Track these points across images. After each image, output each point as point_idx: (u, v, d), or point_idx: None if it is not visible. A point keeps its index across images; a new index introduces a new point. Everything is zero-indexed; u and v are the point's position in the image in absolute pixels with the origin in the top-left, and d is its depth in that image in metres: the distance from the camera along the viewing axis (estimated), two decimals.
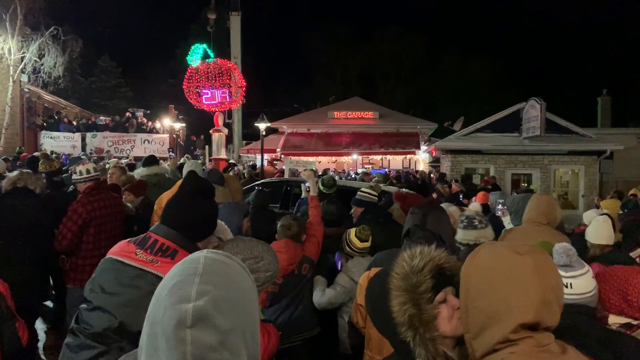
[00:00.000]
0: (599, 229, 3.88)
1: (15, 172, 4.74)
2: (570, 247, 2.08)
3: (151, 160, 7.50)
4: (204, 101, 16.71)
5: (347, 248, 3.98)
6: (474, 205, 7.11)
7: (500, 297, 1.36)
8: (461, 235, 3.47)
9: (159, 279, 2.05)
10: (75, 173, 4.74)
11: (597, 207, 8.90)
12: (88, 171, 4.69)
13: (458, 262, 1.67)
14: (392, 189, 8.85)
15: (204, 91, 16.65)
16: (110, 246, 2.35)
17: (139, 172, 7.47)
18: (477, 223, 3.49)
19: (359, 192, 5.29)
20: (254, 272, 2.30)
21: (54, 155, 14.49)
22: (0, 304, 3.25)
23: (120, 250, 2.22)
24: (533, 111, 16.82)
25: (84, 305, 2.18)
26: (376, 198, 5.38)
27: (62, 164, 10.18)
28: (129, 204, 5.50)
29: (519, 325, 1.34)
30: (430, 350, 1.53)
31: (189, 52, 16.98)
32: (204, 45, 17.06)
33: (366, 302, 1.79)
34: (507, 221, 5.33)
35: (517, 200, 4.78)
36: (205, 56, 16.87)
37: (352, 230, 4.04)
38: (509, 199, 5.39)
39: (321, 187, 5.92)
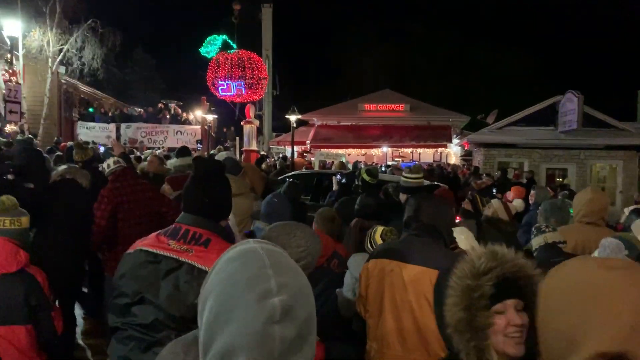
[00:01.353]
0: None
1: (63, 167, 4.91)
2: (620, 243, 2.01)
3: (184, 151, 7.59)
4: (219, 92, 16.71)
5: (369, 246, 3.75)
6: (517, 202, 7.02)
7: (580, 320, 1.14)
8: (537, 242, 3.38)
9: (194, 268, 2.10)
10: (105, 169, 4.97)
11: (637, 202, 8.65)
12: (114, 162, 4.89)
13: (537, 272, 1.53)
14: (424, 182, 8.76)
15: (219, 82, 16.62)
16: (143, 232, 2.39)
17: (173, 163, 7.57)
18: (544, 228, 3.43)
19: (401, 179, 5.00)
20: (286, 247, 2.37)
21: (89, 146, 14.84)
22: (38, 294, 3.37)
23: (152, 242, 2.22)
24: (570, 104, 16.40)
25: (123, 300, 2.17)
26: (417, 181, 4.95)
27: (96, 152, 10.44)
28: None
29: (598, 354, 1.09)
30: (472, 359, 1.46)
31: (203, 44, 16.92)
32: (223, 36, 16.98)
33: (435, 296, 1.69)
34: None
35: (552, 207, 4.38)
36: (226, 47, 16.79)
37: (379, 229, 3.81)
38: (545, 205, 4.88)
39: (366, 177, 5.81)
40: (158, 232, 2.29)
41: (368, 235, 3.86)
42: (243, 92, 16.69)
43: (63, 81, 22.73)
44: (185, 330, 2.01)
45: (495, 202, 4.59)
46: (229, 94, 16.65)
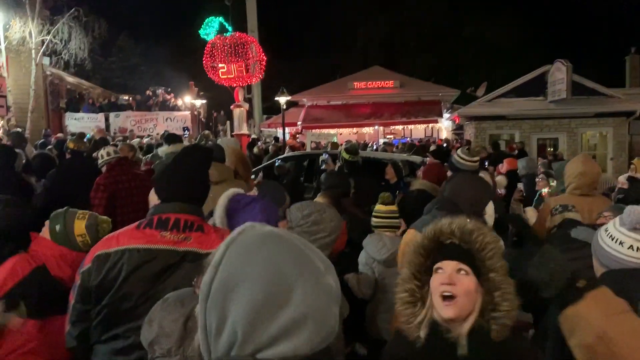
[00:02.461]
0: None
1: None
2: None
3: (174, 138, 7.54)
4: (220, 75, 16.58)
5: (374, 219, 3.77)
6: (500, 179, 7.04)
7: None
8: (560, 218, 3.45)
9: (199, 255, 2.03)
10: (100, 158, 5.01)
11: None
12: (109, 153, 4.96)
13: (491, 244, 1.66)
14: (416, 158, 8.79)
15: (219, 65, 16.48)
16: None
17: (164, 150, 7.52)
18: (570, 207, 3.53)
19: (455, 157, 4.73)
20: (319, 223, 2.53)
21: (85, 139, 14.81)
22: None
23: (140, 238, 2.08)
24: (559, 74, 16.41)
25: (125, 304, 2.02)
26: (472, 164, 4.69)
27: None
28: None
29: None
30: None
31: (202, 26, 16.73)
32: (220, 19, 16.80)
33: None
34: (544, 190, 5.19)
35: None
36: (222, 30, 16.64)
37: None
38: (555, 165, 5.05)
39: (345, 155, 5.83)
40: (137, 226, 2.14)
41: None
42: (244, 73, 16.56)
43: (48, 72, 22.42)
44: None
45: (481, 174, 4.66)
46: (229, 76, 16.48)
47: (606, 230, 2.05)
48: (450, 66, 43.47)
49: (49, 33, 21.04)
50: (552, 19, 47.18)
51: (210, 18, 16.83)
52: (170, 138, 7.51)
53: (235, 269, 0.96)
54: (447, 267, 1.64)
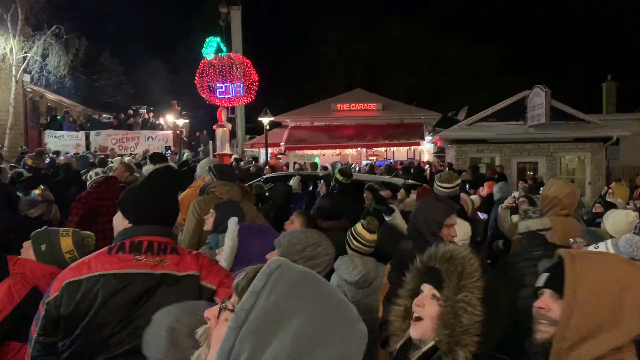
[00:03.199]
0: (621, 223, 3.77)
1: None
2: (636, 237, 2.07)
3: (159, 157, 7.50)
4: (217, 95, 16.65)
5: (355, 242, 3.68)
6: (475, 198, 7.25)
7: (615, 308, 1.32)
8: (523, 226, 3.58)
9: (176, 277, 1.99)
10: (89, 180, 5.26)
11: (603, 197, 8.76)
12: (97, 174, 5.25)
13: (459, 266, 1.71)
14: (398, 180, 8.82)
15: (217, 85, 16.57)
16: None
17: (148, 169, 7.46)
18: (531, 213, 3.59)
19: (435, 186, 4.85)
20: (314, 258, 2.44)
21: (61, 157, 14.63)
22: None
23: (114, 263, 1.99)
24: (538, 99, 16.70)
25: (105, 331, 1.91)
26: (452, 191, 4.81)
27: (51, 163, 10.40)
28: None
29: (633, 338, 1.32)
30: None
31: (204, 45, 16.86)
32: (218, 39, 16.99)
33: None
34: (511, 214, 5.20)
35: None
36: (219, 50, 16.80)
37: (358, 224, 3.76)
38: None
39: (339, 177, 5.85)
40: (107, 251, 2.05)
41: (349, 234, 3.77)
42: (242, 93, 16.67)
43: (28, 89, 22.18)
44: None
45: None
46: (227, 96, 16.55)
47: None
48: (432, 89, 44.12)
49: (30, 50, 20.88)
50: (531, 44, 48.32)
51: (210, 38, 17.05)
52: (156, 157, 7.47)
53: (285, 298, 0.96)
54: (425, 290, 1.73)
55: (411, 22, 45.92)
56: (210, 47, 16.65)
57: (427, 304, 1.69)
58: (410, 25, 46.01)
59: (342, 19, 46.48)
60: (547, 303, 1.49)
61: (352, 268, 3.49)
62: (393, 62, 48.23)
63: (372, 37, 47.45)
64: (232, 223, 2.45)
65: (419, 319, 1.69)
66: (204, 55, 16.78)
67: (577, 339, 1.36)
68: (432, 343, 1.67)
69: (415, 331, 1.69)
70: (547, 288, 1.52)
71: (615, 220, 3.78)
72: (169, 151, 21.03)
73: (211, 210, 3.69)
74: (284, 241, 2.55)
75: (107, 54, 43.45)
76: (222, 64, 16.53)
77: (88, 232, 3.15)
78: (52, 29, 21.58)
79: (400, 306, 1.84)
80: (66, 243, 2.86)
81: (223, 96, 16.62)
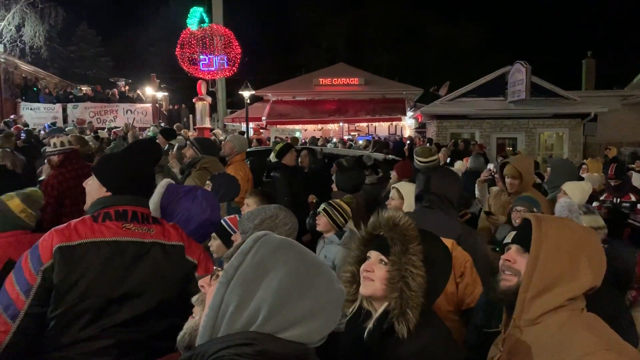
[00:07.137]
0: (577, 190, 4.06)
1: None
2: (572, 202, 2.31)
3: (170, 133, 7.49)
4: (200, 67, 16.34)
5: (341, 218, 3.66)
6: (458, 164, 7.98)
7: (573, 263, 1.52)
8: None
9: (164, 246, 2.00)
10: (49, 145, 4.72)
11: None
12: (62, 144, 4.62)
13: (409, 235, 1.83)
14: (379, 155, 8.86)
15: (201, 57, 16.25)
16: None
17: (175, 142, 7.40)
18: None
19: (415, 162, 5.11)
20: (273, 229, 2.51)
21: (37, 130, 14.36)
22: None
23: (104, 231, 1.94)
24: (518, 75, 16.79)
25: (96, 302, 1.85)
26: (432, 163, 5.03)
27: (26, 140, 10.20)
28: None
29: (588, 289, 1.52)
30: None
31: (189, 15, 16.46)
32: (201, 9, 16.58)
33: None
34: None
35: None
36: (201, 20, 16.43)
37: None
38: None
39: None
40: (93, 218, 1.99)
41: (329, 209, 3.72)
42: (225, 66, 16.37)
43: (2, 60, 21.59)
44: (167, 313, 1.96)
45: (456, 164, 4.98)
46: (210, 68, 16.22)
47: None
48: (414, 65, 44.00)
49: (3, 19, 20.26)
50: (513, 21, 48.33)
51: (194, 8, 16.62)
52: (167, 132, 7.44)
53: (268, 257, 1.11)
54: (372, 256, 1.86)
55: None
56: (194, 17, 16.29)
57: (377, 269, 1.82)
58: (394, 2, 45.64)
59: None
60: (513, 256, 1.65)
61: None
62: (376, 37, 47.89)
63: (356, 13, 47.00)
64: (159, 187, 2.48)
65: (369, 279, 1.81)
66: (188, 25, 16.43)
67: (539, 290, 1.53)
68: (382, 309, 1.78)
69: (365, 289, 1.82)
70: (514, 244, 1.68)
71: (575, 185, 4.20)
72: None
73: (207, 182, 3.97)
74: (243, 219, 2.65)
75: (85, 25, 42.37)
76: (204, 35, 16.22)
77: (32, 187, 3.10)
78: None
79: (347, 273, 1.97)
80: (15, 204, 2.80)
81: (206, 69, 16.34)
